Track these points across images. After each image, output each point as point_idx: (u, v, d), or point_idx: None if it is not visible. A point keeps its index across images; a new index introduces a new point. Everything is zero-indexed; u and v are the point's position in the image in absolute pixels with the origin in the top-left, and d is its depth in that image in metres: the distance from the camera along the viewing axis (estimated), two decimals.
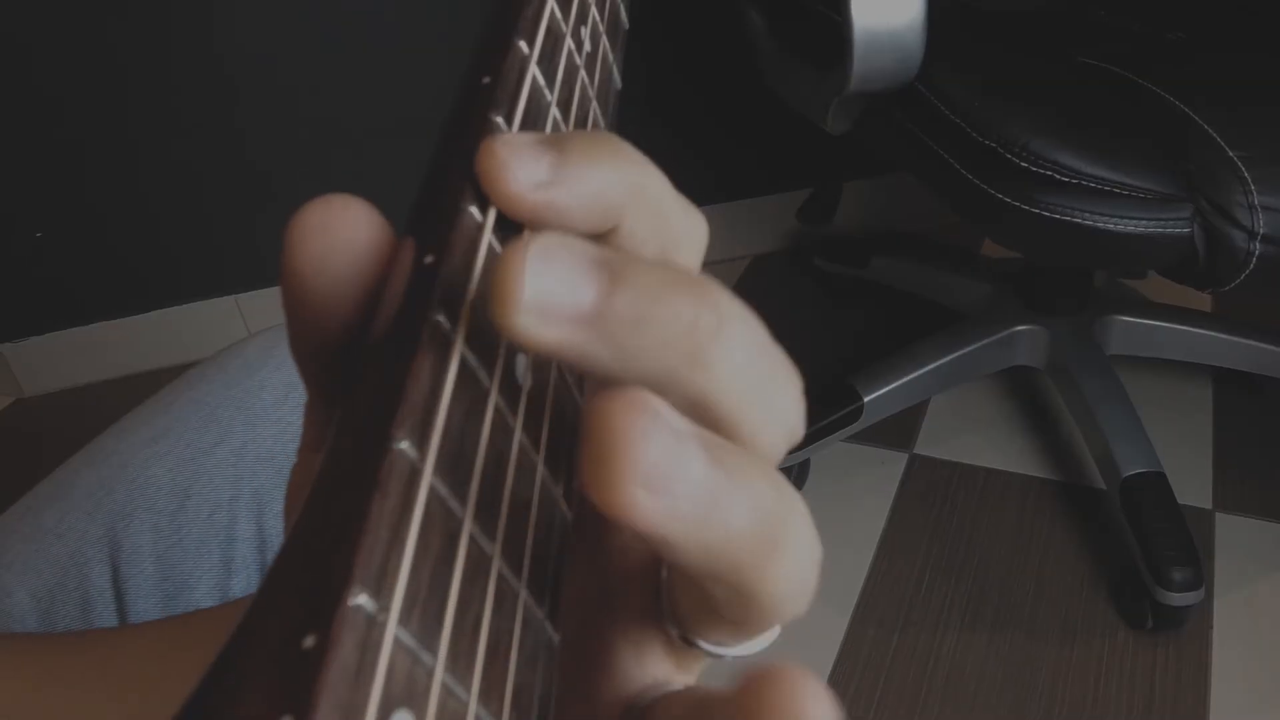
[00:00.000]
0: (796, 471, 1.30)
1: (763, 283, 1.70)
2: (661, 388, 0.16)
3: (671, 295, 0.16)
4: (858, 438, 1.32)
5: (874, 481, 1.34)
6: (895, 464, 1.36)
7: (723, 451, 0.15)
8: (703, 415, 0.16)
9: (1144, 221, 0.90)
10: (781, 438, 0.18)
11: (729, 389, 0.16)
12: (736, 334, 0.16)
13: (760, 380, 0.17)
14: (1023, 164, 0.91)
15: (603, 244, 0.17)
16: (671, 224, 0.19)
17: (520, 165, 0.17)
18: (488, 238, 0.18)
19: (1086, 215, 0.91)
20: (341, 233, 0.18)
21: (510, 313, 0.15)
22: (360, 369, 0.17)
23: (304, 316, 0.19)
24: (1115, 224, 0.90)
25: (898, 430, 1.39)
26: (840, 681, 1.12)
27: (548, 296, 0.15)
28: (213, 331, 1.63)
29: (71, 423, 1.58)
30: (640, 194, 0.18)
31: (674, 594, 0.21)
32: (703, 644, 0.21)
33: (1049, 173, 0.91)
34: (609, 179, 0.18)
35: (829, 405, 1.27)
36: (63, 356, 1.63)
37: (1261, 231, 0.88)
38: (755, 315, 0.17)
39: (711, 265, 1.74)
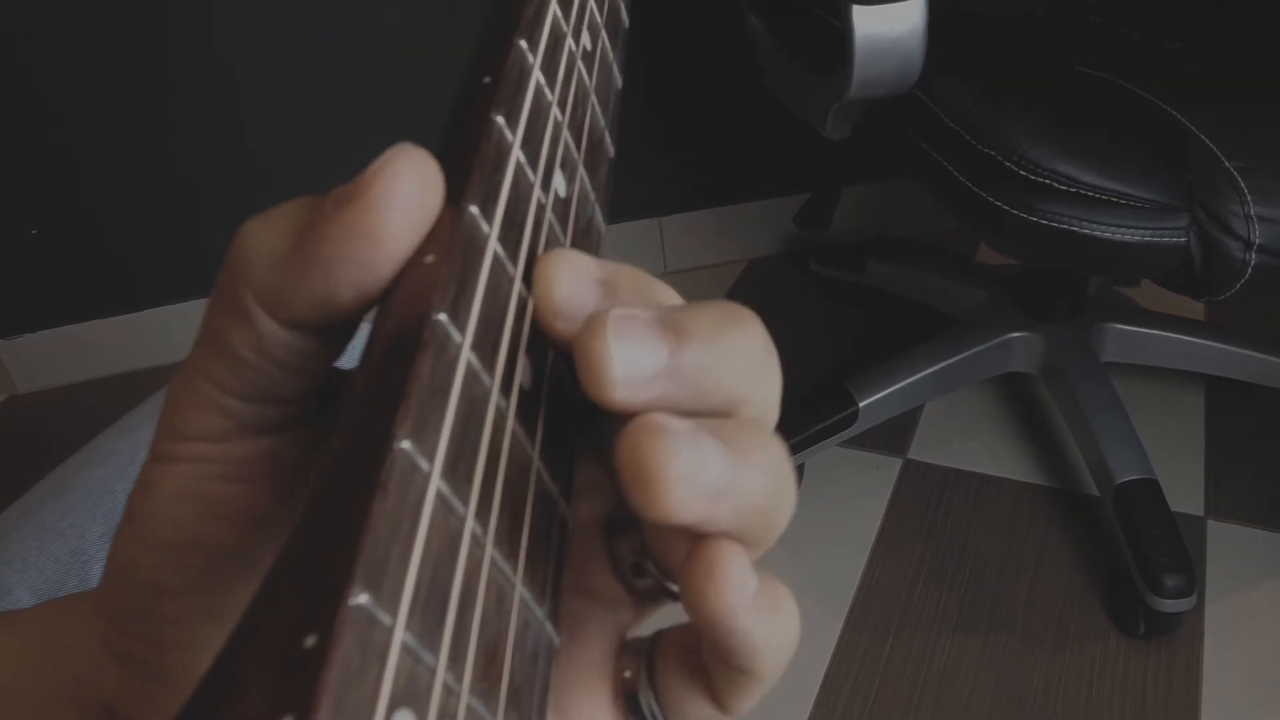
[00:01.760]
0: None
1: (759, 286, 1.70)
2: (730, 410, 0.19)
3: (725, 334, 0.19)
4: (852, 442, 1.32)
5: (868, 486, 1.34)
6: (890, 468, 1.36)
7: (728, 432, 0.18)
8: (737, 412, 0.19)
9: (1141, 230, 0.91)
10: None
11: (768, 394, 0.20)
12: (771, 352, 0.19)
13: (775, 372, 0.20)
14: (1021, 172, 0.91)
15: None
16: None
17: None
18: (493, 246, 0.18)
19: (1084, 224, 0.91)
20: (430, 210, 0.18)
21: (606, 390, 0.18)
22: (360, 368, 0.17)
23: (355, 261, 0.17)
24: (1113, 233, 0.91)
25: (892, 435, 1.39)
26: (834, 685, 1.12)
27: (632, 368, 0.18)
28: None
29: (66, 420, 1.58)
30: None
31: (660, 552, 0.22)
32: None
33: (1047, 181, 0.91)
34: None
35: (824, 409, 1.27)
36: (58, 354, 1.63)
37: (1257, 242, 0.88)
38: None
39: (708, 269, 1.74)
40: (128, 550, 0.22)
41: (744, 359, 0.19)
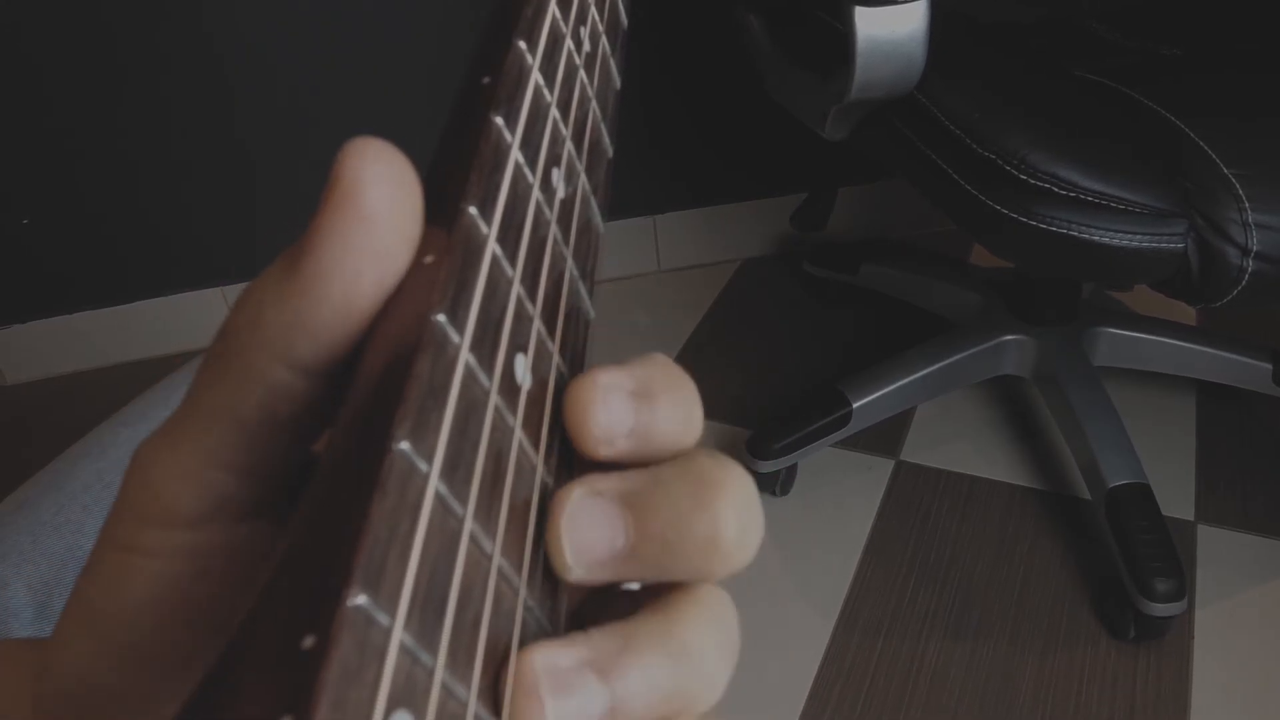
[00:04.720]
0: (784, 476, 1.31)
1: (752, 286, 1.70)
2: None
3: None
4: (845, 443, 1.33)
5: (861, 487, 1.34)
6: (882, 470, 1.36)
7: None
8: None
9: (1140, 236, 0.91)
10: None
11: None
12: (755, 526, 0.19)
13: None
14: (1021, 176, 0.92)
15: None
16: None
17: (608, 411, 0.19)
18: (492, 246, 0.18)
19: (1083, 229, 0.91)
20: (411, 182, 0.17)
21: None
22: (359, 369, 0.16)
23: (351, 270, 0.17)
24: (1111, 238, 0.91)
25: (885, 436, 1.39)
26: (824, 687, 1.13)
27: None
28: (199, 323, 1.62)
29: (55, 411, 1.57)
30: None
31: None
32: None
33: (1047, 185, 0.91)
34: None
35: (817, 410, 1.27)
36: (47, 344, 1.63)
37: (1255, 249, 0.89)
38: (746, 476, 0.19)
39: (701, 268, 1.74)
40: (81, 646, 0.20)
41: (710, 543, 0.18)
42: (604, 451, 0.19)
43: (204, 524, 0.19)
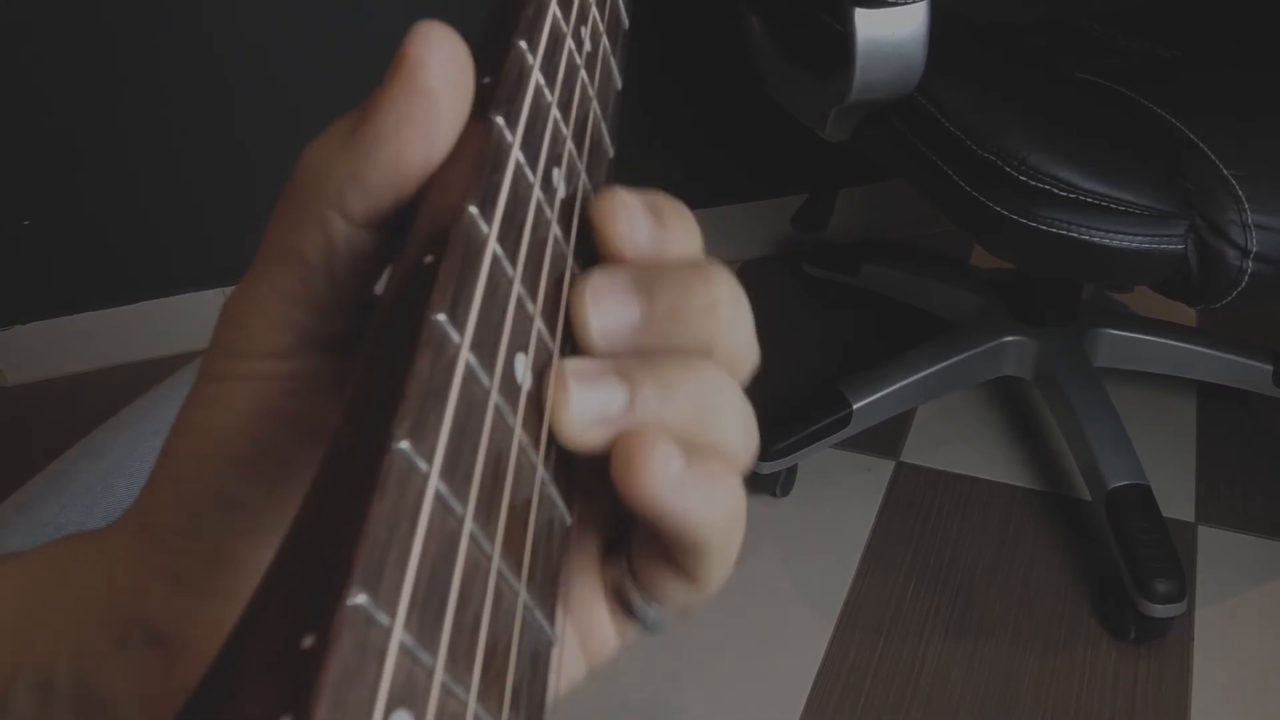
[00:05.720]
0: (784, 476, 1.31)
1: (752, 288, 1.66)
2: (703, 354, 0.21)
3: (693, 289, 0.21)
4: (845, 444, 1.33)
5: (861, 488, 1.34)
6: (882, 471, 1.36)
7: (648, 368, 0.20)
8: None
9: (1140, 237, 0.91)
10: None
11: (739, 339, 0.22)
12: (738, 301, 0.22)
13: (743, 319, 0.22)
14: (1021, 177, 0.92)
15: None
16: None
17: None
18: (492, 246, 0.18)
19: (1083, 230, 0.91)
20: (466, 65, 0.19)
21: (585, 341, 0.20)
22: (359, 367, 0.16)
23: (409, 145, 0.19)
24: (1111, 239, 0.91)
25: (885, 437, 1.39)
26: (824, 687, 1.13)
27: (608, 324, 0.20)
28: (200, 324, 1.62)
29: (56, 413, 1.57)
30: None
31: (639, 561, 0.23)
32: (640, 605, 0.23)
33: (1047, 187, 0.91)
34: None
35: (818, 411, 1.27)
36: (48, 346, 1.62)
37: (1255, 250, 0.89)
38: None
39: None
40: (190, 467, 0.22)
41: (710, 311, 0.21)
42: (629, 248, 0.21)
43: (289, 355, 0.21)
